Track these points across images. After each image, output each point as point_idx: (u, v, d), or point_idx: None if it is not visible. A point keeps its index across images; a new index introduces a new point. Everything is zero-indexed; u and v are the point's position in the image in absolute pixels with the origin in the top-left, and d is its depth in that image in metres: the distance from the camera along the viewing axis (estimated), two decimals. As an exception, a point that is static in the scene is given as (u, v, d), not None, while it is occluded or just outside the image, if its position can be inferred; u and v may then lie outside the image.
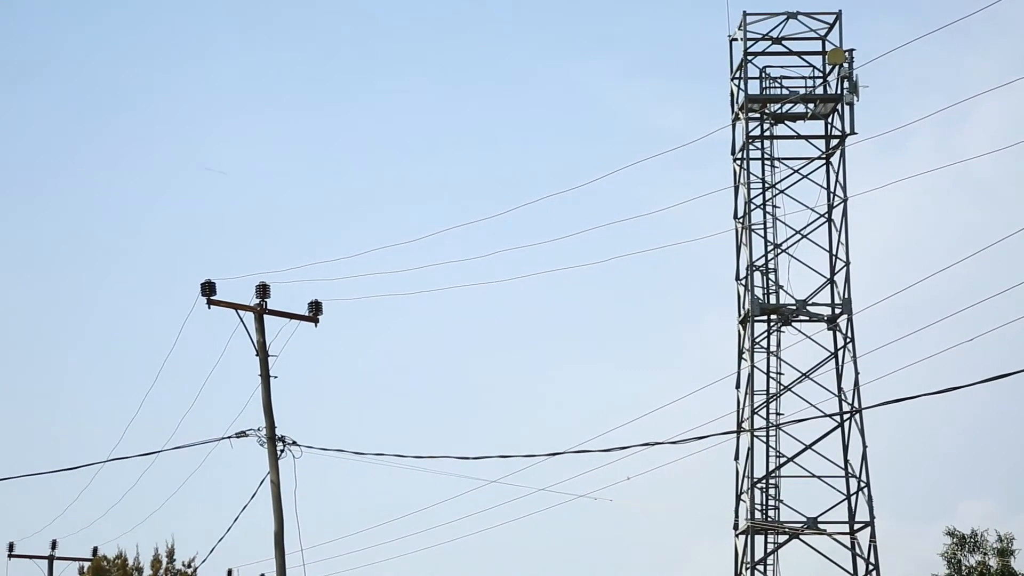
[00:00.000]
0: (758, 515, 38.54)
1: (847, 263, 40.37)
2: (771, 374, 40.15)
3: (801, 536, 39.22)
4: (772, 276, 40.35)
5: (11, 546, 42.76)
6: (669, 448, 23.55)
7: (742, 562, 38.66)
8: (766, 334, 40.34)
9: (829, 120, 40.92)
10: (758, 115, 41.02)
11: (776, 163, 41.18)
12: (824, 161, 40.97)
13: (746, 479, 38.84)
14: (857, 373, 39.67)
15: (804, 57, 41.56)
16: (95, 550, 41.67)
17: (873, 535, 38.88)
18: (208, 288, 26.53)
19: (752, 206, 40.58)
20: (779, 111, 41.02)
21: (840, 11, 40.52)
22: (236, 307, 26.86)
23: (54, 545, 42.86)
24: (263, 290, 26.82)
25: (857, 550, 38.97)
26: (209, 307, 26.67)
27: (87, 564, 41.08)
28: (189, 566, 39.32)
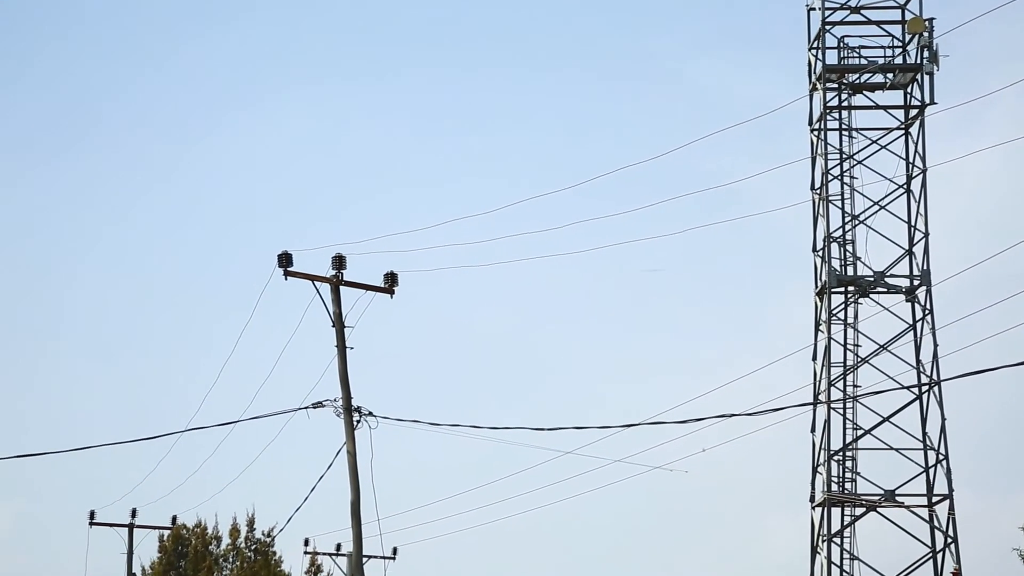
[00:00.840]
0: (835, 488, 38.30)
1: (926, 234, 39.95)
2: (848, 346, 39.84)
3: (878, 509, 38.96)
4: (849, 248, 39.99)
5: (92, 514, 43.26)
6: (745, 420, 23.47)
7: (818, 535, 38.47)
8: (843, 306, 40.02)
9: (908, 90, 40.44)
10: (836, 85, 40.60)
11: (854, 134, 40.77)
12: (903, 131, 40.49)
13: (823, 451, 38.60)
14: (936, 345, 39.31)
15: (883, 26, 41.01)
16: (174, 519, 42.05)
17: (952, 508, 38.55)
18: (285, 259, 26.68)
19: (829, 177, 40.21)
20: (857, 81, 40.56)
21: (919, -21, 40.05)
22: (313, 278, 27.00)
23: (134, 514, 43.27)
24: (339, 261, 26.92)
25: (935, 523, 38.67)
26: (286, 278, 26.83)
27: (166, 532, 41.39)
28: (268, 535, 39.66)
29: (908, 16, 40.25)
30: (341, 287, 26.97)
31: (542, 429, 26.24)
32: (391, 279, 27.42)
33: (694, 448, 36.63)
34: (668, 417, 24.60)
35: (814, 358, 39.72)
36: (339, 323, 26.74)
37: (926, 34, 39.47)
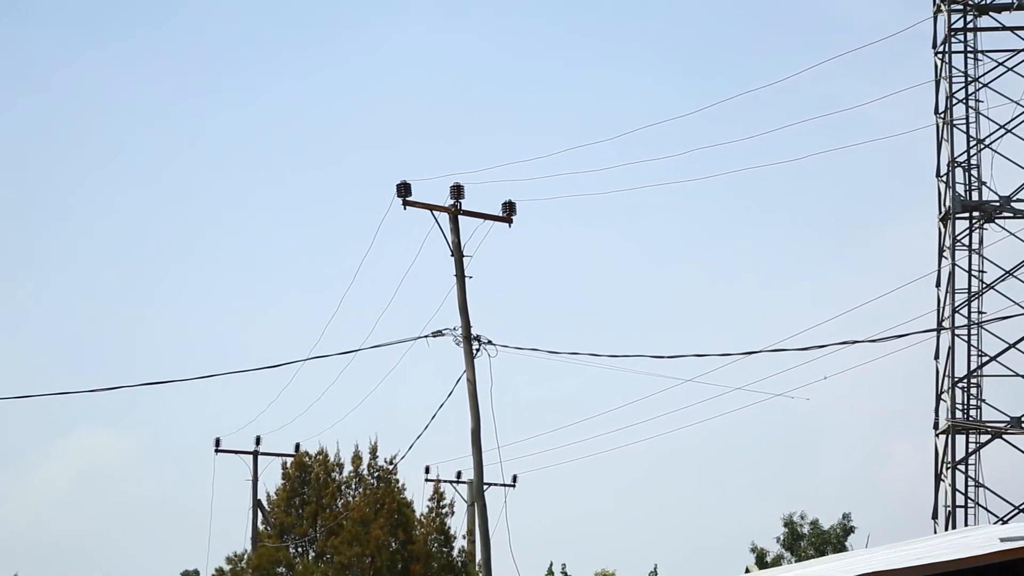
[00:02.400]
0: (959, 415, 37.84)
1: (1054, 158, 39.10)
2: (973, 272, 39.17)
3: (1004, 436, 38.45)
4: (974, 172, 39.25)
5: (217, 442, 44.06)
6: (867, 347, 23.20)
7: (942, 462, 38.05)
8: (968, 231, 39.32)
9: (1036, 10, 39.45)
10: (961, 6, 39.69)
11: (979, 56, 39.91)
12: (1031, 53, 39.58)
13: (947, 378, 38.10)
14: (1063, 269, 38.61)
15: (1010, -56, 40.02)
16: (297, 446, 42.68)
17: (1078, 434, 37.99)
18: (404, 189, 26.76)
19: (954, 101, 39.42)
20: (983, 2, 39.63)
21: None
22: (431, 208, 27.08)
23: (258, 441, 44.02)
24: (457, 191, 26.97)
25: (1061, 450, 38.12)
26: (405, 208, 26.93)
27: (290, 460, 41.99)
28: (389, 463, 40.06)
29: (1037, -68, 39.24)
30: (459, 216, 27.04)
31: (662, 357, 26.23)
32: (509, 208, 27.43)
33: (816, 375, 36.29)
34: (789, 344, 24.35)
35: (938, 284, 39.14)
36: (458, 252, 26.83)
37: (1056, -49, 38.47)
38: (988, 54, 39.98)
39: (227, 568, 40.58)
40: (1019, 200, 39.21)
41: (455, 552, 40.41)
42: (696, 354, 26.12)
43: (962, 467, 38.08)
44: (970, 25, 39.99)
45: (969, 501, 38.06)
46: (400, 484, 39.99)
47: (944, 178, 39.21)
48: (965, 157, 39.31)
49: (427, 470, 44.49)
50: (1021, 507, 38.28)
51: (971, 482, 38.29)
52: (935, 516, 38.82)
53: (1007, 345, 38.45)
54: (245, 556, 40.61)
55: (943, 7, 39.45)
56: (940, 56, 39.78)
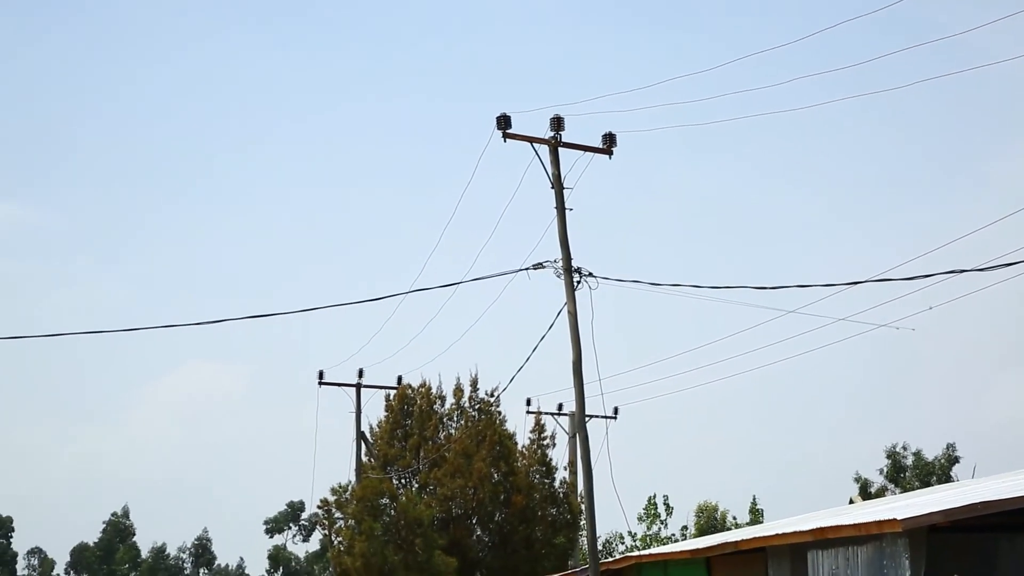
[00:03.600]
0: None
1: None
2: (1083, 200, 38.37)
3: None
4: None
5: (321, 374, 44.45)
6: (974, 276, 22.68)
7: (1050, 394, 37.47)
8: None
9: None
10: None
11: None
12: None
13: (1055, 309, 37.45)
14: None
15: None
16: (399, 379, 42.94)
17: None
18: (504, 122, 26.64)
19: (1065, 23, 38.50)
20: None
21: None
22: (531, 140, 26.95)
23: (361, 374, 44.34)
24: (557, 123, 26.78)
25: None
26: (505, 140, 26.82)
27: (392, 392, 42.28)
28: (491, 395, 40.22)
29: None
30: (559, 148, 26.88)
31: (764, 288, 25.90)
32: (609, 140, 27.22)
33: (921, 305, 35.72)
34: (894, 274, 23.92)
35: (1047, 213, 38.35)
36: (558, 184, 26.69)
37: None
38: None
39: (332, 499, 41.03)
40: None
41: (556, 483, 40.58)
42: (799, 285, 25.78)
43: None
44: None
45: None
46: (501, 416, 40.20)
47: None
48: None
49: (528, 402, 44.68)
50: None
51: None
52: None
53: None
54: (349, 487, 41.03)
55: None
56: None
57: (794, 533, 20.32)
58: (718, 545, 23.83)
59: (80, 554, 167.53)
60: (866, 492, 73.30)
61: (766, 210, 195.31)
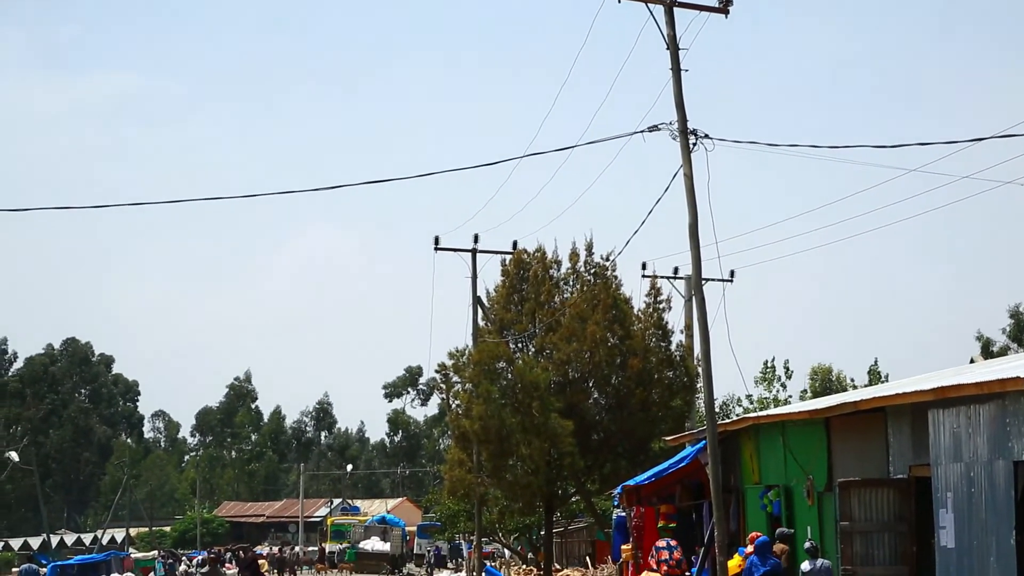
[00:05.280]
0: None
1: None
2: None
3: None
4: None
5: (436, 240, 44.69)
6: (1104, 131, 22.04)
7: None
8: None
9: None
10: None
11: None
12: None
13: None
14: None
15: None
16: (514, 244, 43.03)
17: None
18: (617, -18, 26.19)
19: None
20: None
21: None
22: (646, 0, 26.51)
23: (476, 239, 44.52)
24: (673, -19, 26.30)
25: None
26: (619, 1, 26.40)
27: (508, 257, 42.40)
28: (606, 259, 40.20)
29: None
30: (675, 8, 26.43)
31: (884, 147, 25.48)
32: (726, -2, 26.69)
33: (1048, 162, 34.97)
34: (1020, 130, 23.34)
35: None
36: (673, 45, 26.29)
37: None
38: None
39: (449, 363, 41.50)
40: None
41: (673, 347, 40.62)
42: (920, 143, 25.28)
43: None
44: None
45: None
46: (617, 280, 40.18)
47: None
48: None
49: (643, 266, 44.61)
50: None
51: None
52: None
53: None
54: (466, 351, 41.45)
55: None
56: None
57: (915, 392, 20.21)
58: (837, 405, 23.78)
59: (203, 417, 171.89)
60: (988, 352, 72.64)
61: (884, 66, 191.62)
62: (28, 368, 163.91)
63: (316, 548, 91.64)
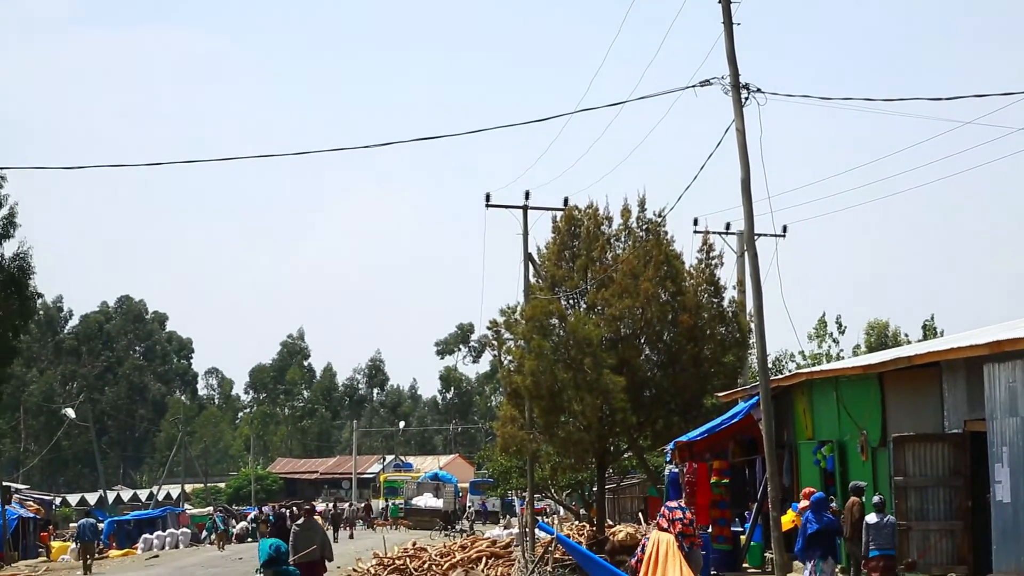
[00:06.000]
0: None
1: None
2: None
3: None
4: None
5: (488, 197, 44.60)
6: None
7: None
8: None
9: None
10: None
11: None
12: None
13: None
14: None
15: None
16: (566, 200, 42.87)
17: None
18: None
19: None
20: None
21: None
22: (697, -47, 26.29)
23: (527, 195, 44.36)
24: (722, -68, 26.06)
25: None
26: (670, -45, 26.20)
27: (559, 213, 42.26)
28: (658, 215, 40.02)
29: None
30: (726, -39, 26.20)
31: (939, 99, 25.27)
32: (777, -50, 26.47)
33: (1105, 112, 34.50)
34: (1077, 83, 23.01)
35: None
36: (725, -1, 26.09)
37: None
38: None
39: (501, 320, 41.49)
40: None
41: (725, 303, 40.47)
42: (976, 94, 25.03)
43: None
44: None
45: None
46: (669, 237, 40.03)
47: None
48: None
49: (695, 222, 44.44)
50: None
51: None
52: None
53: None
54: (518, 308, 41.43)
55: None
56: None
57: (969, 347, 20.11)
58: (891, 360, 23.69)
59: (257, 374, 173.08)
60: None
61: (939, 14, 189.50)
62: (83, 326, 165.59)
63: (363, 504, 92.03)
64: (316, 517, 28.27)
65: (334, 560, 29.34)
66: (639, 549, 19.89)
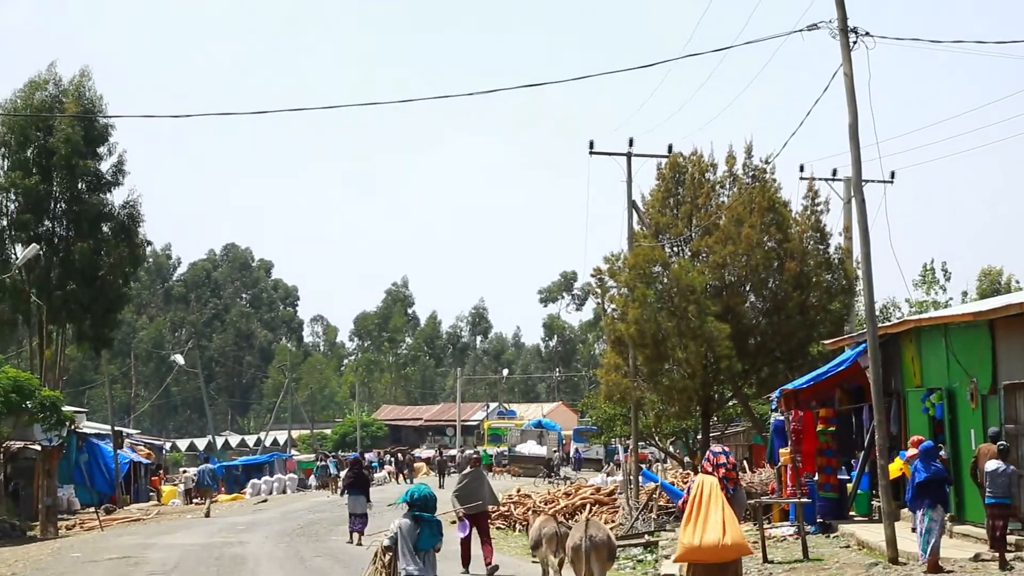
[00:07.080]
0: None
1: None
2: None
3: None
4: None
5: (591, 144, 44.43)
6: None
7: None
8: None
9: None
10: None
11: None
12: None
13: None
14: None
15: None
16: (670, 147, 42.66)
17: None
18: None
19: None
20: None
21: None
22: None
23: (631, 142, 44.14)
24: None
25: None
26: None
27: (663, 160, 42.06)
28: (764, 162, 39.68)
29: None
30: (835, -98, 25.74)
31: (1054, 42, 24.66)
32: None
33: None
34: None
35: None
36: (833, -60, 25.64)
37: None
38: None
39: (604, 267, 41.43)
40: None
41: (831, 250, 40.10)
42: (1093, 37, 24.42)
43: None
44: None
45: None
46: (775, 183, 39.69)
47: None
48: None
49: (801, 168, 43.99)
50: None
51: None
52: None
53: None
54: (622, 256, 41.33)
55: None
56: None
57: (1085, 294, 19.76)
58: (1003, 307, 23.32)
59: (361, 322, 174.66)
60: None
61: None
62: (191, 273, 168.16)
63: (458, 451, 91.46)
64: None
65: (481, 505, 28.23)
66: (685, 491, 20.22)
